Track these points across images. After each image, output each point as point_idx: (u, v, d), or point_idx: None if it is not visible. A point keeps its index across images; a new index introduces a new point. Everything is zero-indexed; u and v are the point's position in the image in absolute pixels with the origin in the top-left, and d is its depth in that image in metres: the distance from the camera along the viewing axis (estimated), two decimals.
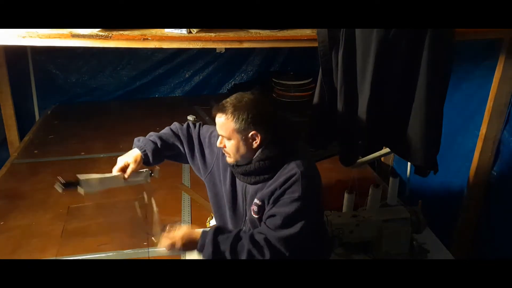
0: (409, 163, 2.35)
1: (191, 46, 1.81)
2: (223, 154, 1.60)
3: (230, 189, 1.66)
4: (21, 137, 3.47)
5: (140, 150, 1.65)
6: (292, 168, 1.50)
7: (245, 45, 1.82)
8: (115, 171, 1.60)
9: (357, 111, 1.87)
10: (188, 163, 1.78)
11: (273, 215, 1.50)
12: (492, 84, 2.12)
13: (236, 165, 1.58)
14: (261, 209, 1.56)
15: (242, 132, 1.49)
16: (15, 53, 3.47)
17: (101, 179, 1.58)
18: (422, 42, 1.70)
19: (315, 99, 1.97)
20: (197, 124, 1.80)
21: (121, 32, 1.74)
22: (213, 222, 2.05)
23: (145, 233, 2.05)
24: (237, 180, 1.64)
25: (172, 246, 1.50)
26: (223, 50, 2.21)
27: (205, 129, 1.77)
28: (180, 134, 1.75)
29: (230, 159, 1.57)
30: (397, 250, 1.93)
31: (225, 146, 1.55)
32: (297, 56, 4.18)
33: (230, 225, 1.70)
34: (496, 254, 2.24)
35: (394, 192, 2.29)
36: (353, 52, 1.78)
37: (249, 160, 1.55)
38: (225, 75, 4.20)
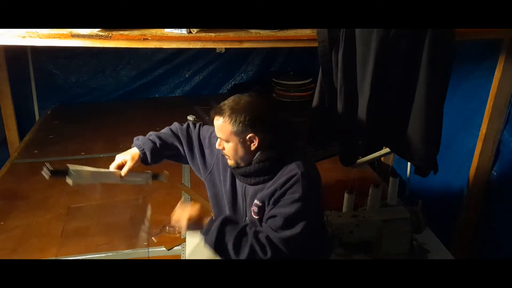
0: (409, 163, 2.35)
1: (191, 46, 1.81)
2: (223, 155, 1.60)
3: (230, 189, 1.66)
4: (21, 137, 3.47)
5: (138, 148, 1.66)
6: (292, 169, 1.50)
7: (245, 45, 1.82)
8: (112, 167, 1.61)
9: (357, 111, 1.87)
10: (188, 163, 1.78)
11: (274, 216, 1.50)
12: (492, 84, 2.12)
13: (236, 166, 1.58)
14: (261, 210, 1.56)
15: (239, 134, 1.49)
16: (15, 53, 3.46)
17: (93, 172, 1.58)
18: (422, 42, 1.70)
19: (315, 99, 1.97)
20: (197, 125, 1.80)
21: (121, 32, 1.74)
22: None
23: (145, 233, 2.06)
24: (237, 181, 1.64)
25: (178, 221, 1.53)
26: (223, 50, 2.20)
27: (205, 129, 1.77)
28: (179, 134, 1.75)
29: (230, 161, 1.57)
30: (397, 250, 1.93)
31: (224, 149, 1.55)
32: (297, 56, 4.17)
33: None
34: (496, 254, 2.24)
35: (394, 192, 2.29)
36: (353, 52, 1.78)
37: (249, 161, 1.55)
38: (225, 75, 4.19)
